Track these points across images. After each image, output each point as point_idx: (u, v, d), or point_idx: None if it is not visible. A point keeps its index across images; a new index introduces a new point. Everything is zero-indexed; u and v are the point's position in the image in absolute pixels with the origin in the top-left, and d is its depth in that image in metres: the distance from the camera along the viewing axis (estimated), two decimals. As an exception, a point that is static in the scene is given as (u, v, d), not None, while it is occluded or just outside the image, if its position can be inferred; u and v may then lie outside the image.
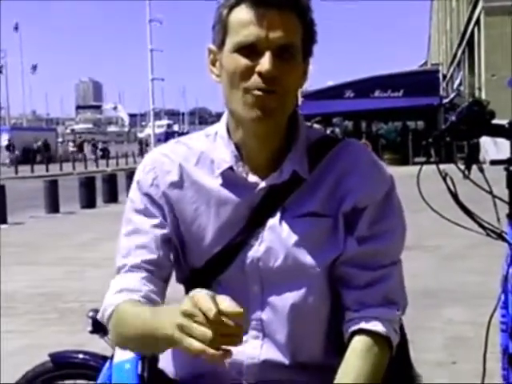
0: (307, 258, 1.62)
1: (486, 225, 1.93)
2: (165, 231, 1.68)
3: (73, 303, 6.90)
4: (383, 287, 1.63)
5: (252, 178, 1.64)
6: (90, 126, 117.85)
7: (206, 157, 1.69)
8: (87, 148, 61.38)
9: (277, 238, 1.63)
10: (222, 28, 1.59)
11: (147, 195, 1.70)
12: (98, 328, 2.51)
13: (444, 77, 38.54)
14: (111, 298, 1.63)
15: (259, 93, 1.54)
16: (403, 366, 1.76)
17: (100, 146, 60.18)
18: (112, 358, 2.24)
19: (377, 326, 1.58)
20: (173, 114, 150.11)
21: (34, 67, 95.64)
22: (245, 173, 1.65)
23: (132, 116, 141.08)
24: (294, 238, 1.63)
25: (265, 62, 1.53)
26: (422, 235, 9.13)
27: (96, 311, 2.32)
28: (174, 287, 1.79)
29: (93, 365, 2.58)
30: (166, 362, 1.77)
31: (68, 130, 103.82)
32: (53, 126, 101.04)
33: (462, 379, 4.35)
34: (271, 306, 1.64)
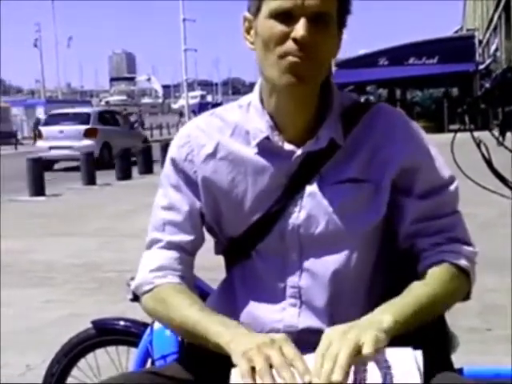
0: (348, 224, 1.64)
1: (521, 191, 1.94)
2: (198, 207, 1.72)
3: (111, 273, 7.02)
4: (454, 232, 1.68)
5: (288, 147, 1.66)
6: (124, 97, 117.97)
7: (240, 128, 1.71)
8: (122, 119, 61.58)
9: (317, 205, 1.65)
10: None
11: (182, 171, 1.73)
12: (138, 296, 2.56)
13: (480, 42, 37.92)
14: (148, 275, 1.69)
15: (294, 59, 1.55)
16: (438, 322, 1.75)
17: (133, 117, 60.36)
18: (153, 324, 2.29)
19: (457, 260, 1.62)
20: (206, 85, 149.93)
21: (70, 39, 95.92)
22: (281, 141, 1.66)
23: (166, 87, 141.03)
24: (335, 203, 1.64)
25: (300, 28, 1.54)
26: (460, 202, 9.05)
27: (136, 279, 2.36)
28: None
29: (134, 331, 2.64)
30: None
31: (102, 102, 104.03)
32: (87, 99, 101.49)
33: (496, 345, 4.37)
34: (310, 272, 1.66)
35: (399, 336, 1.53)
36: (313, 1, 1.55)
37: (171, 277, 1.67)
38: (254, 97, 1.73)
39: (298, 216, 1.66)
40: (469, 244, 1.68)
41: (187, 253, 1.72)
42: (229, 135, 1.72)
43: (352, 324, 1.44)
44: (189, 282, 1.70)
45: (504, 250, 6.78)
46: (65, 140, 22.03)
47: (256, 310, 1.69)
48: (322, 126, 1.66)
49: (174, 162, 1.74)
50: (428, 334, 1.67)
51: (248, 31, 1.67)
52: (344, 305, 1.67)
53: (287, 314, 1.67)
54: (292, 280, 1.67)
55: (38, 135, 25.64)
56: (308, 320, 1.66)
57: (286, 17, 1.56)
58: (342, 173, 1.65)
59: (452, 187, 1.71)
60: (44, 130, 23.76)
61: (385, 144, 1.67)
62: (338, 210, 1.64)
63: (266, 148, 1.67)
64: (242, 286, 1.73)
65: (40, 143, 23.43)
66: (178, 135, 1.78)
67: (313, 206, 1.65)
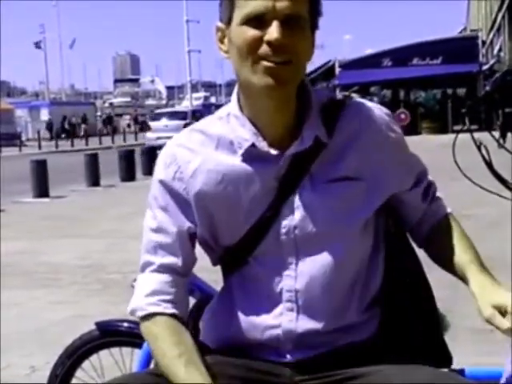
0: (343, 222, 1.66)
1: (521, 193, 1.95)
2: (186, 228, 1.72)
3: (116, 274, 7.04)
4: (434, 186, 1.85)
5: (275, 151, 1.66)
6: (128, 99, 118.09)
7: (224, 139, 1.71)
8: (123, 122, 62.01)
9: (310, 205, 1.66)
10: (229, 3, 1.61)
11: (171, 191, 1.72)
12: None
13: (483, 43, 37.87)
14: (142, 301, 1.70)
15: (270, 63, 1.57)
16: (427, 302, 1.84)
17: (127, 119, 60.66)
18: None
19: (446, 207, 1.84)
20: (210, 86, 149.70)
21: (73, 42, 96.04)
22: (266, 147, 1.66)
23: (169, 88, 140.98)
24: (328, 202, 1.66)
25: (273, 31, 1.55)
26: (462, 203, 9.08)
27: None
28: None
29: (138, 333, 2.62)
30: (205, 336, 1.82)
31: (106, 104, 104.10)
32: (91, 100, 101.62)
33: (499, 346, 4.36)
34: (306, 274, 1.67)
35: (391, 316, 1.70)
36: (284, 3, 1.56)
37: (165, 304, 1.68)
38: (232, 107, 1.73)
39: (292, 218, 1.67)
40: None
41: (179, 274, 1.72)
42: (213, 148, 1.71)
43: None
44: (181, 307, 1.70)
45: (505, 251, 6.78)
46: (168, 132, 25.34)
47: (254, 316, 1.70)
48: (304, 126, 1.67)
49: (162, 183, 1.73)
50: (419, 315, 1.76)
51: (222, 40, 1.68)
52: (340, 304, 1.69)
53: (285, 319, 1.68)
54: (288, 284, 1.68)
55: (147, 128, 34.72)
56: (306, 323, 1.67)
57: (258, 22, 1.57)
58: (332, 171, 1.67)
59: (424, 164, 1.85)
60: (152, 124, 32.63)
61: (375, 144, 1.70)
62: (332, 208, 1.66)
63: (252, 155, 1.67)
64: (240, 293, 1.74)
65: (149, 134, 31.57)
66: (161, 156, 1.77)
67: (306, 207, 1.66)
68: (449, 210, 1.84)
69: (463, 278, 1.71)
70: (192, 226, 1.72)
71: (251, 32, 1.58)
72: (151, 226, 1.75)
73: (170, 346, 1.62)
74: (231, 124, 1.71)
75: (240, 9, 1.59)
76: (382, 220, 1.79)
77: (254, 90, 1.63)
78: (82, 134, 47.26)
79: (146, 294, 1.69)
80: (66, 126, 52.78)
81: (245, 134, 1.68)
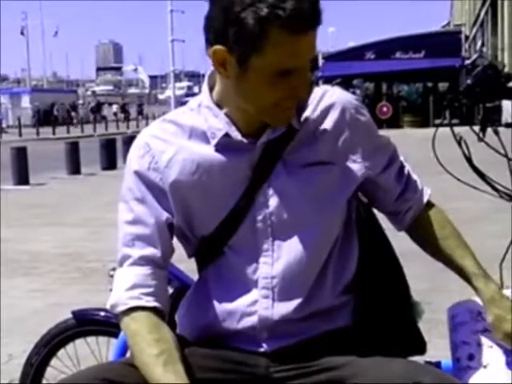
0: (317, 207, 1.67)
1: (499, 187, 1.95)
2: (164, 218, 1.70)
3: (95, 263, 7.01)
4: (412, 174, 1.87)
5: (248, 139, 1.66)
6: (111, 87, 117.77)
7: (197, 129, 1.70)
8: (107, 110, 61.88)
9: (285, 191, 1.66)
10: (248, 40, 1.50)
11: (147, 181, 1.71)
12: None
13: (466, 38, 38.02)
14: (123, 295, 1.67)
15: (289, 106, 1.60)
16: (401, 290, 1.86)
17: (115, 108, 60.51)
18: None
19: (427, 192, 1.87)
20: (193, 76, 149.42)
21: (56, 31, 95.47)
22: (240, 136, 1.66)
23: (152, 78, 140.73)
24: (302, 188, 1.66)
25: (303, 89, 1.58)
26: (443, 198, 9.11)
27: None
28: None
29: (114, 322, 2.62)
30: (181, 326, 1.82)
31: (89, 92, 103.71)
32: (73, 88, 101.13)
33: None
34: (282, 261, 1.67)
35: (365, 303, 1.73)
36: (312, 51, 1.56)
37: (146, 298, 1.65)
38: (204, 98, 1.71)
39: (267, 205, 1.67)
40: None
41: (159, 266, 1.70)
42: (186, 138, 1.70)
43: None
44: (162, 300, 1.68)
45: (487, 245, 6.82)
46: None
47: (230, 304, 1.70)
48: None
49: (137, 174, 1.71)
50: (392, 304, 1.78)
51: (222, 64, 1.58)
52: (317, 289, 1.69)
53: (260, 307, 1.68)
54: (264, 271, 1.68)
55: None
56: (282, 310, 1.67)
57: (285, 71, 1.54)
58: (305, 157, 1.68)
59: (393, 143, 1.85)
60: None
61: (346, 128, 1.71)
62: (306, 194, 1.67)
63: (226, 144, 1.67)
64: (216, 283, 1.73)
65: None
66: (133, 147, 1.75)
67: (281, 193, 1.67)
68: (428, 190, 1.87)
69: (459, 274, 1.81)
70: (169, 216, 1.71)
71: (280, 89, 1.55)
72: (127, 218, 1.72)
73: (150, 344, 1.59)
74: (203, 114, 1.70)
75: (268, 56, 1.51)
76: (354, 204, 1.80)
77: (253, 113, 1.63)
78: (75, 121, 47.16)
79: (126, 288, 1.67)
80: (55, 112, 52.48)
81: (218, 123, 1.67)
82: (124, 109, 60.72)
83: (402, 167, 1.84)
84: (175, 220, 1.71)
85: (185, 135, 1.71)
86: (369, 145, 1.75)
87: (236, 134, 1.66)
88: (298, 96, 1.59)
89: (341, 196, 1.71)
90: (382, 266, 1.83)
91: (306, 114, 1.70)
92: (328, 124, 1.70)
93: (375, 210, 1.89)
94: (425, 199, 1.85)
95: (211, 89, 1.71)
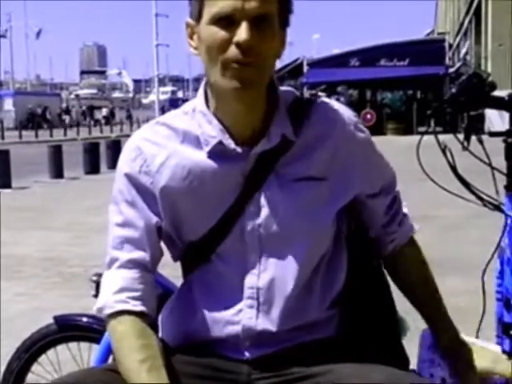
0: (306, 221, 1.66)
1: (483, 196, 1.95)
2: (154, 222, 1.69)
3: (77, 268, 6.98)
4: (402, 207, 1.88)
5: (241, 148, 1.65)
6: (95, 91, 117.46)
7: (190, 134, 1.69)
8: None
9: (275, 203, 1.66)
10: (198, 0, 1.60)
11: (137, 185, 1.70)
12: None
13: (450, 46, 38.21)
14: (110, 298, 1.66)
15: (239, 65, 1.56)
16: (387, 307, 1.86)
17: (105, 112, 60.30)
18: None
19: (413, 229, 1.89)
20: (177, 81, 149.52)
21: (38, 33, 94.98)
22: (233, 144, 1.65)
23: (136, 82, 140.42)
24: (293, 201, 1.66)
25: (242, 33, 1.54)
26: (426, 205, 9.17)
27: (100, 275, 2.36)
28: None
29: (96, 328, 2.63)
30: (163, 333, 1.81)
31: (72, 96, 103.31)
32: (57, 91, 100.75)
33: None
34: (269, 272, 1.67)
35: (352, 317, 1.73)
36: (253, 3, 1.55)
37: (133, 302, 1.64)
38: (198, 103, 1.71)
39: (257, 216, 1.66)
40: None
41: (147, 270, 1.69)
42: (179, 142, 1.70)
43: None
44: (150, 304, 1.67)
45: (469, 251, 6.86)
46: None
47: (214, 312, 1.69)
48: (271, 124, 1.66)
49: (128, 177, 1.71)
50: (378, 319, 1.78)
51: (191, 37, 1.66)
52: (302, 301, 1.69)
53: (245, 316, 1.67)
54: (250, 281, 1.67)
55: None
56: (266, 321, 1.67)
57: (227, 22, 1.55)
58: (298, 170, 1.67)
59: (393, 170, 1.86)
60: None
61: (343, 144, 1.70)
62: (296, 207, 1.66)
63: (219, 152, 1.66)
64: (201, 290, 1.72)
65: None
66: (125, 150, 1.74)
67: (271, 205, 1.66)
68: (415, 227, 1.89)
69: (428, 322, 1.89)
70: (159, 220, 1.70)
71: (220, 33, 1.56)
72: (117, 221, 1.71)
73: (135, 349, 1.58)
74: (197, 120, 1.69)
75: (209, 7, 1.57)
76: (345, 220, 1.79)
77: (223, 92, 1.62)
78: (69, 125, 46.93)
79: (114, 292, 1.66)
80: (48, 116, 52.17)
81: (211, 131, 1.66)
82: (112, 113, 60.62)
83: (394, 200, 1.85)
84: (163, 224, 1.71)
85: (178, 139, 1.70)
86: (365, 162, 1.74)
87: (229, 142, 1.65)
88: (240, 46, 1.54)
89: (331, 212, 1.70)
90: (368, 282, 1.82)
91: (303, 126, 1.69)
92: (325, 138, 1.69)
93: None
94: (408, 235, 1.86)
95: (207, 96, 1.70)
